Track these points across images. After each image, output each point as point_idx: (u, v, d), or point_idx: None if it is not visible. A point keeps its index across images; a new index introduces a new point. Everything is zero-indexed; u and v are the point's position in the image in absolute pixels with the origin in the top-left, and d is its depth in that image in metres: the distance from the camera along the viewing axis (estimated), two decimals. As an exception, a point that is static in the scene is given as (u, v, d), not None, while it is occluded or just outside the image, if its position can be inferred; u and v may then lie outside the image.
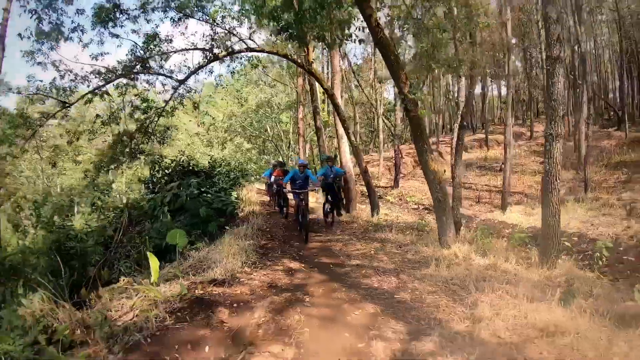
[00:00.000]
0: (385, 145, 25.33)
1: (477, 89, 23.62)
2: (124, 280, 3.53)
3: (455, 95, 18.31)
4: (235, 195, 9.37)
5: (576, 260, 4.84)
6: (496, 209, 10.74)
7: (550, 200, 4.41)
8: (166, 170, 9.58)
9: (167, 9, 8.88)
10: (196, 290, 3.69)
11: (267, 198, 11.01)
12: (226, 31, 9.21)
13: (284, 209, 9.06)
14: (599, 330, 2.65)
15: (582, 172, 11.51)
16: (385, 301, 3.64)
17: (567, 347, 2.47)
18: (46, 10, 8.05)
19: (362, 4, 5.33)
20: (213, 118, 31.54)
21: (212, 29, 9.28)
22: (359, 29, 6.18)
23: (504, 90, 26.68)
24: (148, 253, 3.68)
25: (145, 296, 3.35)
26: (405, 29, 6.43)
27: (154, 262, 3.61)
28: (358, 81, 23.56)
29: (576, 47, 14.66)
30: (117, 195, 11.18)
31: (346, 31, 6.06)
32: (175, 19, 9.15)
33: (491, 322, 2.87)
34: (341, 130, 9.87)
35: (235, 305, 3.51)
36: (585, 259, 5.21)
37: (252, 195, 10.75)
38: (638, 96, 21.72)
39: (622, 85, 18.73)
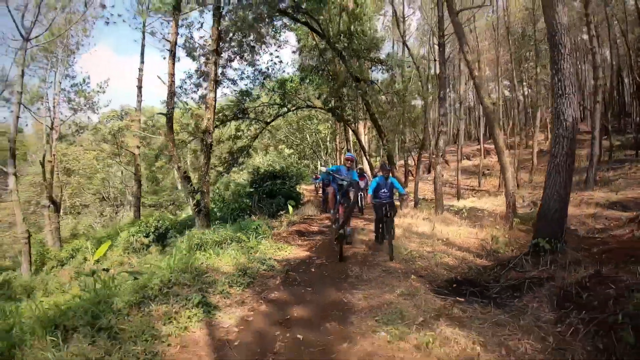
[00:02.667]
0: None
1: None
2: (280, 214, 10.69)
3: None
4: (298, 189, 16.38)
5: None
6: (455, 199, 17.11)
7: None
8: (259, 174, 16.63)
9: (256, 81, 15.95)
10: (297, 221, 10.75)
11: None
12: (293, 93, 16.27)
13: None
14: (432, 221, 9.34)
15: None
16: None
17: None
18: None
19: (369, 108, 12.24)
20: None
21: (284, 91, 16.36)
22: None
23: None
24: (288, 204, 10.77)
25: (286, 217, 10.44)
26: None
27: (290, 208, 10.71)
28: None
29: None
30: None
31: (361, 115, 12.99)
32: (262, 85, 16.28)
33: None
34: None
35: (309, 227, 10.48)
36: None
37: (305, 191, 17.92)
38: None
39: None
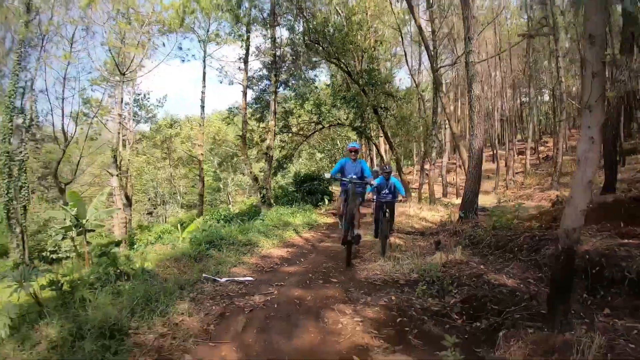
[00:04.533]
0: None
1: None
2: (319, 205, 15.75)
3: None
4: (330, 189, 21.38)
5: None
6: (455, 196, 21.44)
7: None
8: (300, 177, 21.68)
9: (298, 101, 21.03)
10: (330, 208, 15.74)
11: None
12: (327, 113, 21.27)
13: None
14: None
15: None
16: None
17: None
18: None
19: (383, 128, 17.12)
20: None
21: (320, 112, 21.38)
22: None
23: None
24: (324, 198, 15.80)
25: (322, 206, 15.47)
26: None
27: (326, 200, 15.76)
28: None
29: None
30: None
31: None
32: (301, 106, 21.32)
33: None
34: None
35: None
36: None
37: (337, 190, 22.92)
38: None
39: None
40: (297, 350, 3.17)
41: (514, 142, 25.90)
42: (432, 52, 13.28)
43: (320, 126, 21.17)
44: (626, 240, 5.16)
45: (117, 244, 12.89)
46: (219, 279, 5.05)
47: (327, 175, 6.42)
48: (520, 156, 25.73)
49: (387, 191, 7.21)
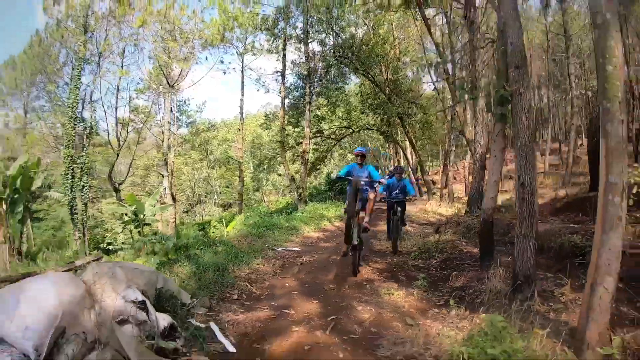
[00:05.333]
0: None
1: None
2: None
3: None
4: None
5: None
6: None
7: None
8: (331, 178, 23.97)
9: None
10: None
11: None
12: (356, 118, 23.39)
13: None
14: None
15: None
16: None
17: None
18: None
19: (407, 133, 19.08)
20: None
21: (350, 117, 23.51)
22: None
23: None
24: None
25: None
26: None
27: None
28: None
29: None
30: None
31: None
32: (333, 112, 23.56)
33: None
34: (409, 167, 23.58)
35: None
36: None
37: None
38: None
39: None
40: (329, 280, 5.42)
41: (537, 144, 26.97)
42: (445, 68, 14.98)
43: (351, 130, 23.31)
44: (572, 225, 7.10)
45: (206, 224, 14.99)
46: (276, 248, 7.40)
47: (334, 175, 6.49)
48: (543, 157, 26.62)
49: (398, 191, 7.66)
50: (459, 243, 7.22)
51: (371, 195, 6.10)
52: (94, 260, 5.96)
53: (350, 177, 6.01)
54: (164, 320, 3.27)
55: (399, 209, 7.56)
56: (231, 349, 3.31)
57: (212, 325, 3.65)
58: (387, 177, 8.35)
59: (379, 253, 7.42)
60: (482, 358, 2.80)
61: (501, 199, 16.60)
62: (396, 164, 23.02)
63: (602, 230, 2.73)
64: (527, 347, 2.86)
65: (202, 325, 3.60)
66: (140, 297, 3.20)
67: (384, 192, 7.76)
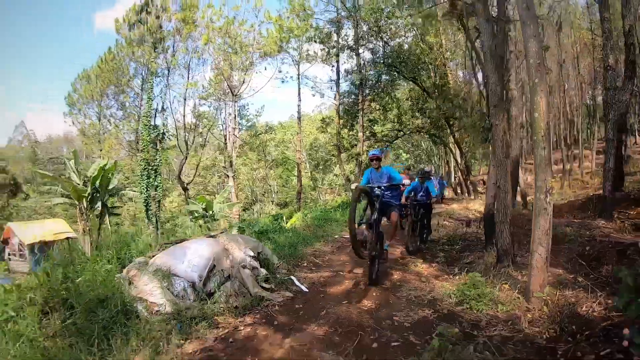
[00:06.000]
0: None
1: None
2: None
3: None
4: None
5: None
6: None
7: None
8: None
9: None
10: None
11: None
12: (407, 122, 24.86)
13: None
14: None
15: None
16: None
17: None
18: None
19: (454, 136, 20.36)
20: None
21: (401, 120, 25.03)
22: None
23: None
24: None
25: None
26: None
27: None
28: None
29: None
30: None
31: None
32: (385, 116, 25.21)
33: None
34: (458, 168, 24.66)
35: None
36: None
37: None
38: None
39: None
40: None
41: (590, 143, 26.67)
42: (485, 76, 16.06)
43: (402, 133, 24.86)
44: (576, 220, 8.50)
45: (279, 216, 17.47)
46: (334, 235, 9.52)
47: (354, 187, 5.87)
48: (590, 157, 26.18)
49: (422, 193, 7.97)
50: (481, 234, 8.85)
51: (394, 217, 5.98)
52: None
53: (372, 185, 5.83)
54: (263, 271, 5.48)
55: (422, 211, 8.00)
56: (304, 289, 5.43)
57: (292, 277, 5.82)
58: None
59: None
60: (462, 296, 4.65)
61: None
62: (422, 166, 23.79)
63: (534, 216, 4.46)
64: (492, 292, 4.66)
65: (285, 277, 5.77)
66: (253, 254, 5.44)
67: (405, 196, 7.68)
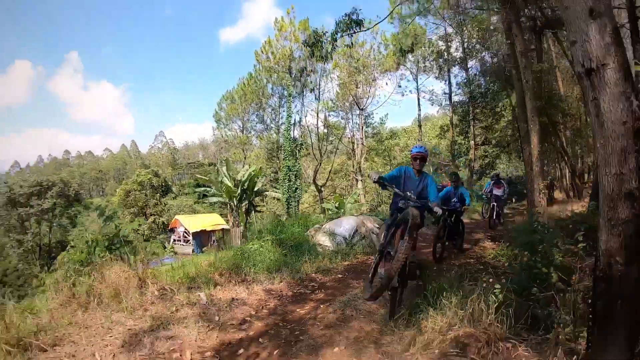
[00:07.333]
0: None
1: None
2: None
3: None
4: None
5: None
6: None
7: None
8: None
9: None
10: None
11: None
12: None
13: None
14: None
15: None
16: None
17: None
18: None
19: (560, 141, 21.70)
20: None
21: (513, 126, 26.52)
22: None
23: None
24: None
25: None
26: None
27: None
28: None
29: None
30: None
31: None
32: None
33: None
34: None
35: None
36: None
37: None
38: None
39: None
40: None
41: None
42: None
43: (514, 138, 26.32)
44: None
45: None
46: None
47: (375, 177, 4.30)
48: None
49: (456, 199, 7.36)
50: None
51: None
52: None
53: (393, 188, 4.37)
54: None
55: (453, 218, 7.30)
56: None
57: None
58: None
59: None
60: (499, 252, 8.20)
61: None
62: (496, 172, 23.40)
63: (530, 207, 7.87)
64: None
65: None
66: (377, 226, 9.87)
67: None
